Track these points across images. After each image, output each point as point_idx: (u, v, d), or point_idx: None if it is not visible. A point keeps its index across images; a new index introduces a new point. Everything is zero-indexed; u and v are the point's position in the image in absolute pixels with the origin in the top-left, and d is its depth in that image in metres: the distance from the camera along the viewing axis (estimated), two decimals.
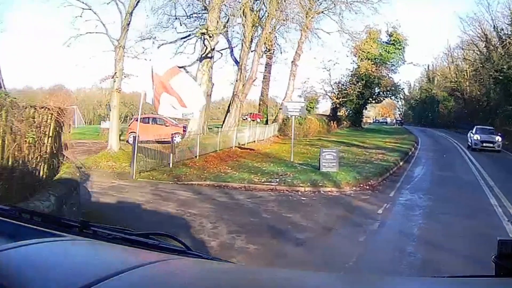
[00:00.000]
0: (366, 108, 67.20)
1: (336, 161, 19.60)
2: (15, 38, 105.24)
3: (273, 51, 44.74)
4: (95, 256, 2.04)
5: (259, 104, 47.11)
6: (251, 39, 35.34)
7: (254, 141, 33.14)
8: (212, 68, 38.10)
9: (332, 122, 54.94)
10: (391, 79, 59.39)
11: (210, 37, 26.31)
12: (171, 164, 20.59)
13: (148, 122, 30.57)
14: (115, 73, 22.51)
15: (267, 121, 44.64)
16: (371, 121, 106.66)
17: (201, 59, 27.85)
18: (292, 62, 42.23)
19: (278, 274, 2.20)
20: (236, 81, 33.78)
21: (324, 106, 66.61)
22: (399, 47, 57.10)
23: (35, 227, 2.40)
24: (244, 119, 41.13)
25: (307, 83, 50.73)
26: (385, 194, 16.68)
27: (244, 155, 25.66)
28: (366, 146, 33.12)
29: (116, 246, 2.26)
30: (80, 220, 2.53)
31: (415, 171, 23.42)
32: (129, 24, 22.82)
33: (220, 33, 32.50)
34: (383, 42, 57.81)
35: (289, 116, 26.85)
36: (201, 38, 28.43)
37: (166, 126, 30.02)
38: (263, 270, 2.79)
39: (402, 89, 63.53)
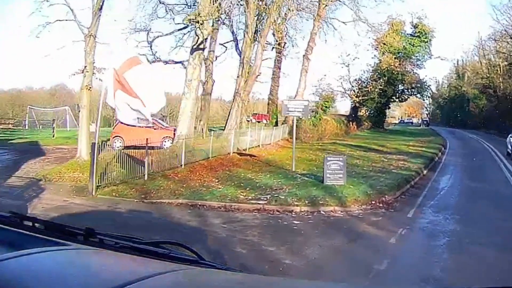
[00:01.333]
0: (389, 108, 63.98)
1: (343, 171, 16.88)
2: (17, 37, 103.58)
3: (284, 44, 42.13)
4: (102, 266, 2.02)
5: (268, 104, 44.25)
6: (256, 29, 32.69)
7: (258, 146, 30.52)
8: (213, 63, 35.69)
9: (351, 123, 52.18)
10: (416, 75, 56.16)
11: (198, 22, 23.67)
12: (146, 176, 18.05)
13: (134, 125, 28.03)
14: (85, 67, 20.04)
15: (277, 122, 41.93)
16: (397, 122, 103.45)
17: (192, 51, 25.22)
18: (303, 56, 39.44)
19: (297, 285, 2.40)
20: (238, 77, 31.13)
21: (345, 106, 63.76)
22: (425, 40, 53.93)
23: (37, 235, 2.39)
24: (248, 121, 38.43)
25: (324, 80, 47.64)
26: (402, 214, 13.96)
27: (240, 163, 23.10)
28: (385, 151, 30.27)
29: (124, 256, 2.28)
30: (85, 227, 2.46)
31: (441, 181, 20.58)
32: (101, 8, 20.31)
33: (217, 20, 30.09)
34: (407, 34, 54.72)
35: (291, 117, 23.99)
36: (194, 26, 25.80)
37: (155, 129, 27.44)
38: (280, 281, 2.82)
39: (428, 86, 60.00)
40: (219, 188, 16.58)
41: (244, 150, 27.85)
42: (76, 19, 20.45)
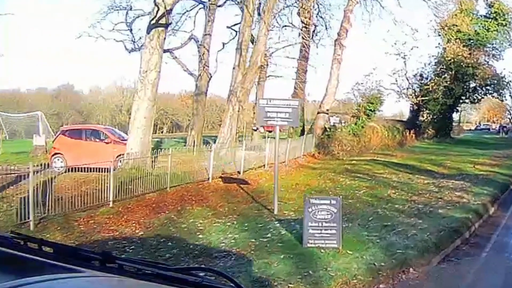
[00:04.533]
0: (457, 111, 57.76)
1: (338, 224, 11.30)
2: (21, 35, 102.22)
3: (315, 28, 36.92)
4: None
5: None
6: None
7: (263, 166, 25.31)
8: (209, 51, 31.11)
9: (408, 131, 46.25)
10: (492, 68, 50.13)
11: None
12: (31, 224, 13.24)
13: (81, 137, 23.92)
14: None
15: (303, 130, 36.52)
16: (473, 128, 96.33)
17: (148, 28, 20.35)
18: (335, 41, 34.15)
19: None
20: (234, 68, 26.07)
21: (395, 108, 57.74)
22: (504, 23, 47.91)
23: (45, 259, 2.31)
24: (254, 130, 33.18)
25: (373, 75, 42.08)
26: None
27: (212, 197, 18.22)
28: (441, 173, 24.48)
29: (147, 284, 2.23)
30: (102, 251, 2.44)
31: None
32: None
33: None
34: (480, 15, 49.05)
35: (273, 126, 18.19)
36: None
37: (107, 143, 22.86)
38: None
39: (508, 82, 53.25)
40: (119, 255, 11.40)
41: (237, 173, 22.74)
42: None
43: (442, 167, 26.74)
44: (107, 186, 16.92)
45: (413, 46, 45.93)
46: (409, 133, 46.46)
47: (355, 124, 36.82)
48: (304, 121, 38.01)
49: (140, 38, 32.17)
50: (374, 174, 23.77)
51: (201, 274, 2.32)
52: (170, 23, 22.37)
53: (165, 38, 21.75)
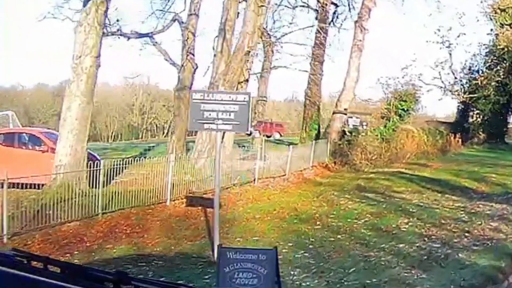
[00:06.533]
0: None
1: None
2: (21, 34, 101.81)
3: (336, 9, 34.01)
4: None
5: (305, 105, 35.48)
6: None
7: (253, 181, 22.45)
8: (195, 35, 27.93)
9: (454, 135, 42.57)
10: None
11: None
12: None
13: (12, 143, 21.43)
14: None
15: (318, 133, 33.32)
16: None
17: (85, 0, 17.56)
18: (355, 23, 30.86)
19: None
20: (215, 55, 23.28)
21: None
22: None
23: (51, 280, 2.21)
24: (248, 134, 30.15)
25: (412, 67, 39.87)
26: None
27: (156, 227, 15.45)
28: (480, 192, 21.01)
29: None
30: (115, 271, 2.41)
31: None
32: None
33: None
34: None
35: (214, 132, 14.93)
36: None
37: (43, 151, 20.42)
38: None
39: None
40: None
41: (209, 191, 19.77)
42: None
43: (483, 183, 23.07)
44: (22, 210, 14.26)
45: (460, 33, 43.17)
46: (455, 138, 42.82)
47: (385, 126, 33.42)
48: (319, 123, 34.91)
49: (118, 20, 29.44)
50: (390, 194, 20.37)
51: None
52: None
53: (106, 12, 18.75)
